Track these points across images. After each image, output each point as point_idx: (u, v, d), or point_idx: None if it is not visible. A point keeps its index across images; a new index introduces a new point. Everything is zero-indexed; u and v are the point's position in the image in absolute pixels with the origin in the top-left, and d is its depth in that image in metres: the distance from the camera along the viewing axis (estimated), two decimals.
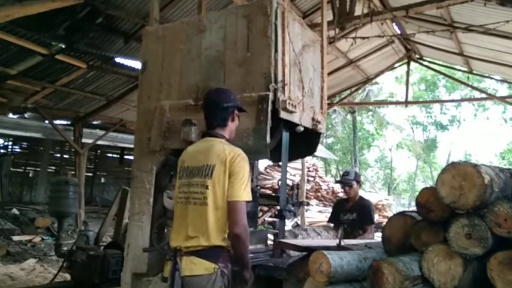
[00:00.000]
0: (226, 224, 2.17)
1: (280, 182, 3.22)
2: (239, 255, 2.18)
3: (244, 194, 2.16)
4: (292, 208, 3.24)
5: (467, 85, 11.85)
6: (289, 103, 2.75)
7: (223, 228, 2.17)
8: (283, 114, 2.77)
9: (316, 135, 3.39)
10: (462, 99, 23.88)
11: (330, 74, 9.03)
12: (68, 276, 4.65)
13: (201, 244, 2.13)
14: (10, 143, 12.53)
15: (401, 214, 2.38)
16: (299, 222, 10.99)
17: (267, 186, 11.09)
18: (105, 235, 5.07)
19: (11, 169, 12.08)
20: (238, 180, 2.16)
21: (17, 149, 12.77)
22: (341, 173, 4.80)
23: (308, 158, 11.89)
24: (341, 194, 11.21)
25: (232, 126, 2.43)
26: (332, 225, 4.73)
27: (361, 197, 4.62)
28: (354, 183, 4.47)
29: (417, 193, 2.23)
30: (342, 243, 2.65)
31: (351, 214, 4.43)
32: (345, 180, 4.48)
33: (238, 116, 2.47)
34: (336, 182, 4.79)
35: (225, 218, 2.16)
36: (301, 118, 3.01)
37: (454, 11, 6.88)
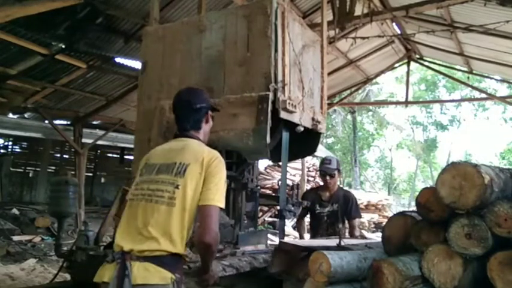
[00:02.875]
0: (190, 229, 1.96)
1: (280, 182, 3.22)
2: (204, 263, 2.01)
3: (219, 199, 1.95)
4: (292, 208, 3.24)
5: (467, 85, 11.85)
6: (289, 103, 2.75)
7: (186, 233, 1.94)
8: (283, 114, 2.77)
9: (316, 135, 3.39)
10: (462, 99, 23.93)
11: (330, 74, 9.03)
12: (68, 276, 4.65)
13: (159, 248, 1.86)
14: (10, 143, 12.53)
15: (401, 214, 2.38)
16: None
17: (267, 186, 11.09)
18: (105, 235, 5.06)
19: (11, 169, 12.07)
20: (214, 184, 1.95)
21: (17, 149, 12.76)
22: (322, 160, 4.43)
23: (308, 158, 11.89)
24: None
25: (206, 128, 2.24)
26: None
27: (340, 187, 4.36)
28: (336, 172, 4.18)
29: (417, 193, 2.23)
30: (342, 243, 2.66)
31: (331, 206, 4.15)
32: (327, 169, 4.16)
33: (212, 117, 2.29)
34: (317, 171, 4.41)
35: (191, 223, 1.95)
36: (301, 118, 3.01)
37: (454, 11, 6.89)
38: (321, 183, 4.54)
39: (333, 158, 4.45)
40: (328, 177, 4.18)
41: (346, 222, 4.21)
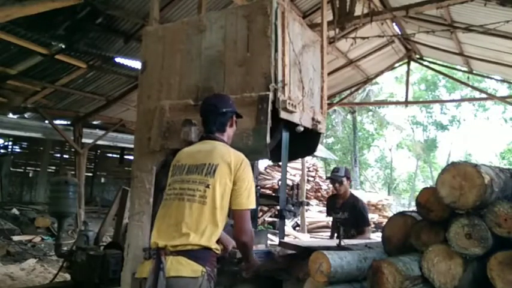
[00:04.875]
0: (221, 226, 2.13)
1: (280, 182, 3.22)
2: (245, 257, 2.31)
3: (250, 202, 2.17)
4: (292, 208, 3.24)
5: (467, 85, 11.85)
6: (289, 103, 2.75)
7: (217, 229, 2.10)
8: (283, 114, 2.77)
9: (316, 135, 3.39)
10: (462, 99, 23.93)
11: (330, 74, 9.04)
12: (68, 276, 4.65)
13: (191, 242, 2.01)
14: (10, 143, 12.53)
15: (401, 214, 2.38)
16: (299, 222, 11.01)
17: (267, 186, 11.10)
18: (105, 235, 5.07)
19: (11, 169, 12.07)
20: (244, 188, 2.15)
21: (17, 149, 12.77)
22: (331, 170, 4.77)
23: (308, 158, 11.90)
24: None
25: (230, 132, 2.41)
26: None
27: (352, 195, 4.49)
28: (344, 179, 4.36)
29: (417, 193, 2.23)
30: (342, 243, 2.65)
31: (343, 213, 4.31)
32: (335, 177, 4.38)
33: (236, 122, 2.46)
34: (326, 178, 4.73)
35: (221, 220, 2.12)
36: (301, 118, 3.01)
37: (454, 11, 6.89)
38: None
39: (342, 167, 4.66)
40: (337, 185, 4.39)
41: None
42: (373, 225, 12.97)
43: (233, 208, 2.14)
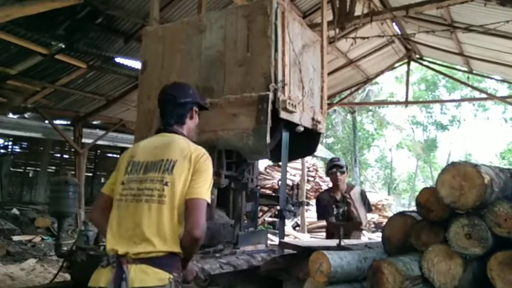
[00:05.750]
0: (181, 226, 1.94)
1: (280, 182, 3.22)
2: (188, 257, 2.01)
3: (206, 193, 1.94)
4: (292, 208, 3.25)
5: (467, 85, 11.85)
6: (289, 103, 2.75)
7: (178, 231, 1.92)
8: (283, 114, 2.77)
9: (316, 135, 3.39)
10: (462, 99, 23.90)
11: (330, 74, 9.03)
12: (68, 276, 4.65)
13: (155, 250, 1.84)
14: (10, 143, 12.52)
15: (401, 214, 2.38)
16: (299, 222, 11.01)
17: (267, 186, 11.10)
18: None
19: (11, 169, 12.06)
20: (202, 179, 1.95)
21: (17, 149, 12.75)
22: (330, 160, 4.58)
23: (308, 158, 11.89)
24: None
25: (190, 124, 2.20)
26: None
27: (348, 185, 4.41)
28: (345, 169, 4.31)
29: (417, 193, 2.23)
30: (342, 243, 2.65)
31: (344, 205, 4.23)
32: (339, 165, 4.24)
33: (198, 114, 2.25)
34: (329, 169, 4.39)
35: (181, 220, 1.93)
36: (301, 118, 3.01)
37: (454, 11, 6.89)
38: (330, 185, 4.63)
39: (340, 157, 4.60)
40: (339, 174, 4.23)
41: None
42: (373, 225, 13.00)
43: (188, 197, 1.91)
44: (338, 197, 4.29)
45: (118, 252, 1.86)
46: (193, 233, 1.87)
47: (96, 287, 1.89)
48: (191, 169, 1.95)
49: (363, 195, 4.35)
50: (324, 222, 5.25)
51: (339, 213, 4.26)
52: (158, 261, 1.84)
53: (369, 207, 4.39)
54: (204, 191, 1.93)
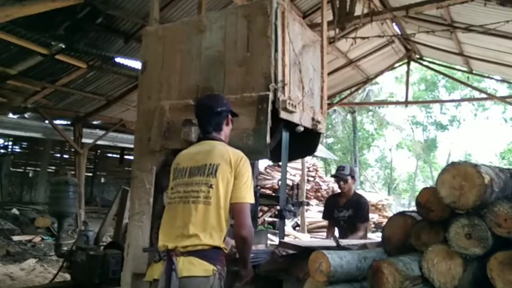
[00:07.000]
0: (226, 225, 2.15)
1: (280, 182, 3.22)
2: (242, 256, 2.21)
3: (249, 196, 2.17)
4: (292, 208, 3.24)
5: (467, 85, 11.85)
6: (289, 103, 2.75)
7: (223, 228, 2.13)
8: (283, 114, 2.77)
9: (316, 135, 3.38)
10: (462, 99, 23.92)
11: (330, 74, 9.04)
12: (68, 276, 4.65)
13: (201, 243, 2.06)
14: (10, 143, 12.53)
15: (401, 214, 2.38)
16: (299, 222, 11.01)
17: (267, 186, 11.10)
18: (105, 235, 5.07)
19: (11, 169, 12.07)
20: (243, 183, 2.16)
21: (17, 149, 12.76)
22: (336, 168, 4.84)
23: (308, 158, 11.90)
24: None
25: (227, 131, 2.43)
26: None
27: (356, 193, 4.58)
28: (349, 178, 4.43)
29: (417, 193, 2.23)
30: (340, 243, 2.66)
31: (347, 211, 4.38)
32: (340, 175, 4.44)
33: (232, 121, 2.48)
34: (331, 176, 4.75)
35: (226, 219, 2.15)
36: (301, 118, 3.01)
37: (454, 11, 6.89)
38: (337, 190, 4.79)
39: (347, 165, 4.70)
40: (342, 183, 4.44)
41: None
42: (373, 225, 13.01)
43: (232, 202, 2.14)
44: (341, 202, 4.47)
45: (168, 247, 2.08)
46: (241, 233, 2.10)
47: (151, 280, 2.10)
48: (233, 172, 2.17)
49: (361, 204, 4.42)
50: (324, 223, 5.40)
51: (339, 217, 4.43)
52: (204, 254, 2.05)
53: (364, 217, 4.42)
54: (247, 194, 2.17)
